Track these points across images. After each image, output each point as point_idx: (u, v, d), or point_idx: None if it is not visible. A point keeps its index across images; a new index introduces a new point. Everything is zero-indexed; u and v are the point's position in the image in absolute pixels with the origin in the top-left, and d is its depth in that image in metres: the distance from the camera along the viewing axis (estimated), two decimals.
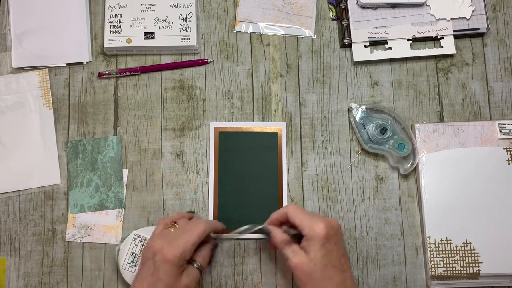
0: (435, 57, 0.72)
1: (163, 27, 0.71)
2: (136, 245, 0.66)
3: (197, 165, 0.70)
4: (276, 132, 0.70)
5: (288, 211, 0.59)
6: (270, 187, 0.69)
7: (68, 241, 0.68)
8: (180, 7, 0.72)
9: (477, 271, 0.64)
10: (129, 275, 0.65)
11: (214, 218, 0.68)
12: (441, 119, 0.71)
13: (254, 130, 0.70)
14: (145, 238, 0.66)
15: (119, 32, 0.71)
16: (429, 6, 0.71)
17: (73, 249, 0.68)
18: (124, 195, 0.69)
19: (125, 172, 0.70)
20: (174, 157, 0.70)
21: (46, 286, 0.67)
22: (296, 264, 0.56)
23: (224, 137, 0.70)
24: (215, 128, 0.71)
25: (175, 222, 0.61)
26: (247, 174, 0.69)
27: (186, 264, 0.59)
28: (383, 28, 0.71)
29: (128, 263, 0.65)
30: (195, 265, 0.60)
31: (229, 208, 0.68)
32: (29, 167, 0.70)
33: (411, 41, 0.71)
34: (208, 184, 0.69)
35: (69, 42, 0.73)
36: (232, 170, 0.69)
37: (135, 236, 0.66)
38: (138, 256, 0.65)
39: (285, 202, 0.68)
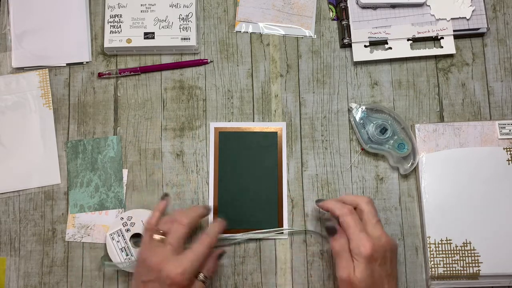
0: (435, 57, 0.72)
1: (163, 27, 0.71)
2: (118, 241, 0.66)
3: (197, 165, 0.70)
4: (276, 132, 0.70)
5: (346, 219, 0.57)
6: (270, 187, 0.69)
7: (68, 241, 0.68)
8: (180, 7, 0.72)
9: (477, 271, 0.64)
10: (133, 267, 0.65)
11: (214, 218, 0.68)
12: (441, 119, 0.71)
13: (254, 130, 0.70)
14: (119, 229, 0.66)
15: (119, 32, 0.71)
16: (429, 6, 0.71)
17: (73, 249, 0.68)
18: (124, 195, 0.69)
19: (125, 172, 0.70)
20: (174, 157, 0.70)
21: (46, 286, 0.67)
22: (342, 278, 0.56)
23: (224, 137, 0.70)
24: (215, 128, 0.71)
25: (162, 232, 0.58)
26: (247, 174, 0.69)
27: (192, 280, 0.57)
28: (383, 28, 0.71)
29: (125, 258, 0.65)
30: (201, 278, 0.58)
31: (229, 208, 0.68)
32: (29, 167, 0.70)
33: (411, 41, 0.71)
34: (208, 184, 0.69)
35: (69, 42, 0.73)
36: (232, 170, 0.69)
37: (111, 235, 0.66)
38: (129, 246, 0.66)
39: (285, 202, 0.68)
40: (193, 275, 0.56)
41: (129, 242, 0.66)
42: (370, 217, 0.58)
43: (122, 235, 0.66)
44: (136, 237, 0.67)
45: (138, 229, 0.66)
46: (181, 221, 0.58)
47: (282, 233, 0.67)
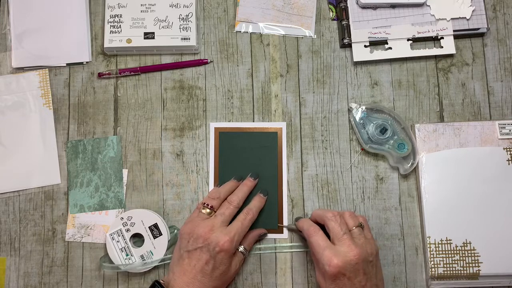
0: (435, 57, 0.72)
1: (163, 27, 0.71)
2: (118, 241, 0.66)
3: (197, 165, 0.70)
4: (276, 132, 0.70)
5: (311, 240, 0.59)
6: (270, 187, 0.69)
7: (68, 241, 0.68)
8: (180, 7, 0.72)
9: (477, 271, 0.64)
10: (133, 267, 0.65)
11: None
12: (441, 119, 0.71)
13: (254, 130, 0.70)
14: (119, 229, 0.66)
15: (119, 32, 0.71)
16: (429, 6, 0.71)
17: (73, 249, 0.68)
18: (124, 195, 0.69)
19: (125, 172, 0.70)
20: (174, 157, 0.70)
21: (46, 286, 0.67)
22: (316, 279, 0.60)
23: (224, 137, 0.70)
24: (215, 128, 0.70)
25: (211, 206, 0.63)
26: (248, 174, 0.69)
27: (236, 251, 0.63)
28: (383, 28, 0.71)
29: (125, 259, 0.65)
30: (241, 250, 0.63)
31: None
32: (29, 167, 0.70)
33: (411, 41, 0.71)
34: (208, 184, 0.69)
35: (69, 42, 0.73)
36: (232, 170, 0.69)
37: (111, 235, 0.66)
38: (129, 246, 0.66)
39: (285, 202, 0.68)
40: (237, 244, 0.61)
41: (129, 242, 0.66)
42: (335, 233, 0.58)
43: (122, 235, 0.66)
44: (136, 237, 0.67)
45: (138, 229, 0.66)
46: (232, 202, 0.64)
47: (282, 232, 0.68)
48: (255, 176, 0.67)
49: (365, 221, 0.61)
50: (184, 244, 0.61)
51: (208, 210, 0.63)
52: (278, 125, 0.71)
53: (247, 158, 0.69)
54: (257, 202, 0.66)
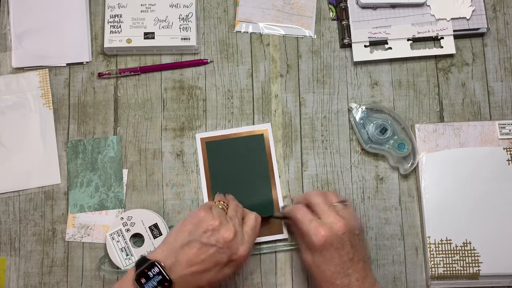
0: (435, 57, 0.72)
1: (163, 27, 0.71)
2: (118, 241, 0.66)
3: (197, 165, 0.70)
4: (262, 134, 0.70)
5: (296, 216, 0.59)
6: (264, 190, 0.68)
7: (68, 241, 0.68)
8: (180, 7, 0.72)
9: (477, 271, 0.64)
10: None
11: None
12: (441, 119, 0.71)
13: (240, 135, 0.70)
14: (119, 229, 0.66)
15: (119, 32, 0.71)
16: (429, 6, 0.71)
17: (73, 249, 0.68)
18: (124, 195, 0.69)
19: (125, 172, 0.70)
20: (174, 157, 0.70)
21: (46, 286, 0.67)
22: (304, 261, 0.59)
23: (211, 146, 0.70)
24: (201, 138, 0.70)
25: (227, 205, 0.61)
26: (239, 180, 0.68)
27: None
28: (383, 28, 0.71)
29: (125, 259, 0.65)
30: None
31: None
32: (29, 167, 0.70)
33: (411, 41, 0.71)
34: (202, 192, 0.69)
35: (69, 42, 0.73)
36: (224, 178, 0.69)
37: (111, 235, 0.66)
38: (129, 246, 0.66)
39: (280, 202, 0.68)
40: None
41: (129, 242, 0.66)
42: (320, 207, 0.59)
43: (122, 235, 0.66)
44: (136, 237, 0.67)
45: (138, 229, 0.66)
46: (239, 206, 0.62)
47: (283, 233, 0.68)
48: None
49: (348, 201, 0.62)
50: (199, 232, 0.56)
51: (221, 206, 0.60)
52: (263, 127, 0.70)
53: (237, 164, 0.69)
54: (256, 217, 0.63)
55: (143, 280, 0.53)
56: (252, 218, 0.61)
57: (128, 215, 0.67)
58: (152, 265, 0.54)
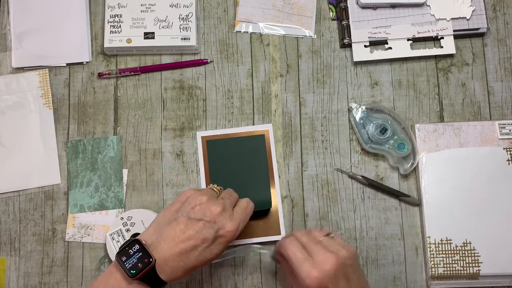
0: (435, 57, 0.72)
1: (163, 27, 0.71)
2: (118, 241, 0.66)
3: (197, 165, 0.70)
4: (263, 135, 0.70)
5: (287, 252, 0.55)
6: (263, 190, 0.68)
7: (68, 241, 0.68)
8: (180, 7, 0.72)
9: (477, 271, 0.64)
10: None
11: None
12: (441, 119, 0.71)
13: (241, 135, 0.70)
14: (119, 229, 0.66)
15: (119, 32, 0.71)
16: (429, 6, 0.71)
17: (73, 249, 0.68)
18: (124, 195, 0.69)
19: (125, 172, 0.70)
20: (174, 157, 0.70)
21: (46, 286, 0.67)
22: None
23: (212, 145, 0.70)
24: (202, 137, 0.70)
25: (221, 188, 0.60)
26: (239, 179, 0.68)
27: None
28: (383, 28, 0.71)
29: None
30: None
31: None
32: (29, 167, 0.70)
33: (411, 41, 0.71)
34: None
35: (69, 42, 0.73)
36: (223, 177, 0.69)
37: (111, 235, 0.66)
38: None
39: (279, 203, 0.68)
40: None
41: None
42: (308, 244, 0.55)
43: (122, 235, 0.66)
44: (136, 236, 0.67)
45: (138, 229, 0.66)
46: (232, 191, 0.61)
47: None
48: None
49: (333, 233, 0.58)
50: (187, 209, 0.55)
51: (217, 190, 0.59)
52: (264, 127, 0.70)
53: (237, 163, 0.69)
54: (248, 202, 0.61)
55: (123, 258, 0.53)
56: (244, 200, 0.60)
57: (128, 215, 0.67)
58: (134, 242, 0.53)
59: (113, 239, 0.66)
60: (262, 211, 0.67)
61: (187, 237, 0.53)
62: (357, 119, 0.69)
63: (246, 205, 0.59)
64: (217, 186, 0.61)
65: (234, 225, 0.55)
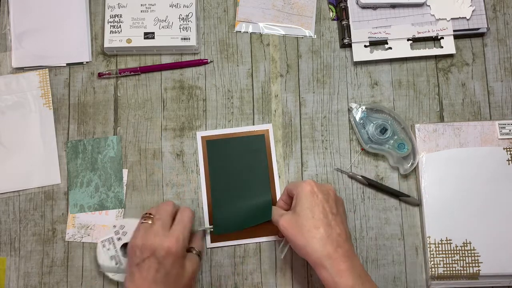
0: (435, 57, 0.72)
1: (163, 27, 0.71)
2: (108, 249, 0.66)
3: (197, 165, 0.70)
4: (263, 134, 0.70)
5: (287, 186, 0.62)
6: (263, 190, 0.68)
7: (68, 241, 0.68)
8: (180, 7, 0.72)
9: (477, 271, 0.64)
10: (122, 276, 0.65)
11: (209, 222, 0.68)
12: (441, 119, 0.71)
13: (241, 135, 0.70)
14: (111, 237, 0.66)
15: (119, 32, 0.71)
16: (429, 6, 0.71)
17: (73, 249, 0.68)
18: (124, 195, 0.69)
19: (125, 172, 0.70)
20: (174, 157, 0.70)
21: (46, 286, 0.67)
22: (283, 224, 0.58)
23: (212, 145, 0.70)
24: (202, 137, 0.70)
25: (150, 214, 0.60)
26: (239, 179, 0.68)
27: (186, 252, 0.60)
28: (383, 28, 0.71)
29: (114, 266, 0.65)
30: (194, 252, 0.62)
31: (224, 214, 0.68)
32: (29, 167, 0.70)
33: (411, 41, 0.71)
34: (201, 191, 0.69)
35: (69, 42, 0.73)
36: (223, 177, 0.69)
37: (102, 242, 0.66)
38: (119, 255, 0.65)
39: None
40: (185, 244, 0.59)
41: (119, 251, 0.65)
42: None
43: (113, 243, 0.66)
44: (126, 246, 0.67)
45: (129, 238, 0.66)
46: (168, 204, 0.61)
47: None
48: None
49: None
50: (132, 259, 0.58)
51: (149, 222, 0.59)
52: (264, 127, 0.70)
53: (237, 163, 0.69)
54: (185, 207, 0.63)
55: None
56: (180, 212, 0.61)
57: (122, 223, 0.67)
58: None
59: (103, 246, 0.66)
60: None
61: (144, 279, 0.56)
62: (357, 119, 0.69)
63: (180, 217, 0.61)
64: (147, 212, 0.61)
65: (172, 239, 0.57)
